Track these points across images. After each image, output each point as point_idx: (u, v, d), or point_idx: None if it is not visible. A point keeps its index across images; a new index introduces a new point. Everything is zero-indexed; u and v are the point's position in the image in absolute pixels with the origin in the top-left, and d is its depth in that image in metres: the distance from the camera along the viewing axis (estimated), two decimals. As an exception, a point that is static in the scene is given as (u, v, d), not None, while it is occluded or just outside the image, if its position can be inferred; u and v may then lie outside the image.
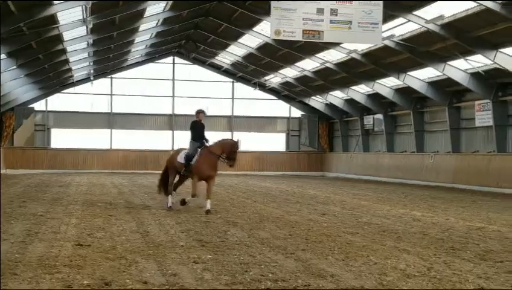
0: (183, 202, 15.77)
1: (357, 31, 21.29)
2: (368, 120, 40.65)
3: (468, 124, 31.39)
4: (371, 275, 7.90)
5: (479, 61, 26.65)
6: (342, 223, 13.68)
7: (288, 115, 47.43)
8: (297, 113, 47.54)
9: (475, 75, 28.30)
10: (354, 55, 31.14)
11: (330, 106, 44.40)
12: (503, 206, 18.60)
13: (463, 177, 29.05)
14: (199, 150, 15.78)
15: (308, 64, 36.15)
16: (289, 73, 39.87)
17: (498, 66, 25.44)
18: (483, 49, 24.94)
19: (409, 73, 31.70)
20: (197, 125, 16.19)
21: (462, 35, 24.53)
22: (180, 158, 16.02)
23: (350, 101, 41.18)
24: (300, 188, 25.42)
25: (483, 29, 23.57)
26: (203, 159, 15.61)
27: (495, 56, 24.91)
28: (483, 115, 29.40)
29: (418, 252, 9.78)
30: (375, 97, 37.97)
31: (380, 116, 39.20)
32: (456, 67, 28.44)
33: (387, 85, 35.25)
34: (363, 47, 29.83)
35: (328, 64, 34.20)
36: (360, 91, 38.54)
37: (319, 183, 31.92)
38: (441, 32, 24.49)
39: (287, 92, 45.29)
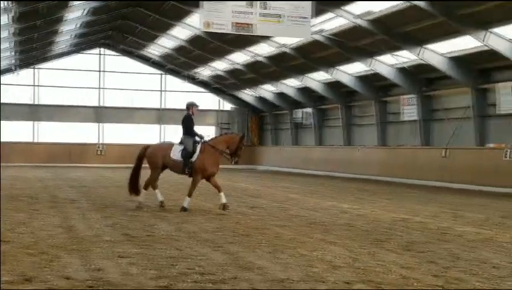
0: (184, 209, 14.14)
1: (287, 24, 21.38)
2: (298, 114, 41.01)
3: (395, 118, 32.06)
4: (298, 267, 7.92)
5: (405, 56, 27.24)
6: (270, 216, 13.71)
7: (218, 108, 47.33)
8: (227, 106, 47.52)
9: (402, 71, 28.93)
10: (284, 49, 31.31)
11: (261, 99, 44.56)
12: (427, 198, 19.08)
13: (389, 170, 29.66)
14: (198, 145, 14.49)
15: (239, 58, 36.14)
16: (220, 66, 39.77)
17: (423, 62, 26.06)
18: (410, 45, 25.51)
19: (338, 67, 32.12)
20: (190, 119, 14.91)
21: (389, 31, 25.00)
22: (175, 155, 14.48)
23: (280, 95, 41.43)
24: (229, 181, 25.39)
25: (410, 26, 24.09)
26: (207, 156, 14.37)
27: (420, 52, 25.52)
28: (409, 109, 30.10)
29: (344, 244, 9.88)
30: (305, 91, 38.31)
31: (309, 109, 39.61)
32: (384, 63, 28.99)
33: (317, 79, 35.63)
34: (293, 41, 30.02)
35: (259, 58, 34.29)
36: (290, 85, 38.83)
37: (249, 177, 31.98)
38: (369, 27, 24.88)
39: (217, 85, 45.19)
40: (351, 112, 36.40)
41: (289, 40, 29.91)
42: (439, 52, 25.54)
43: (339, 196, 19.51)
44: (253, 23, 21.15)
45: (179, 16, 31.06)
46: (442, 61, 25.72)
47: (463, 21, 21.91)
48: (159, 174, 14.95)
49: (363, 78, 32.37)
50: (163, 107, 45.82)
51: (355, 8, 24.42)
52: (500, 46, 22.12)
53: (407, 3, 22.08)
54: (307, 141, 41.18)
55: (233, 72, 39.80)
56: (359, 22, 24.66)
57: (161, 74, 45.73)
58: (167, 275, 7.31)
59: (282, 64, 34.59)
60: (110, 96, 44.22)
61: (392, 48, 26.68)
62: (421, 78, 29.02)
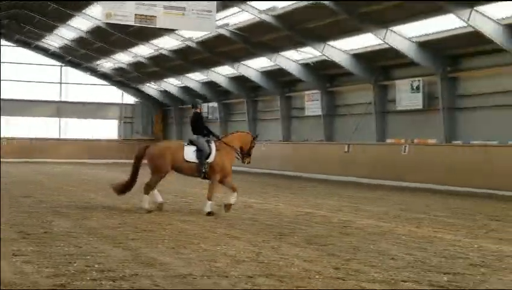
0: (228, 207, 13.23)
1: (191, 18, 21.15)
2: (203, 108, 40.76)
3: (299, 113, 32.47)
4: (200, 262, 7.82)
5: (309, 52, 27.62)
6: (174, 211, 13.53)
7: (121, 102, 46.47)
8: (131, 100, 46.74)
9: (306, 66, 29.33)
10: (189, 42, 31.06)
11: (165, 93, 44.09)
12: (329, 192, 19.42)
13: (294, 164, 30.02)
14: (213, 144, 13.38)
15: (143, 50, 35.58)
16: (123, 58, 39.02)
17: (326, 58, 26.50)
18: (313, 42, 25.88)
19: (243, 62, 32.19)
20: (201, 118, 13.89)
21: (293, 27, 25.26)
22: (189, 157, 13.21)
23: (185, 89, 41.14)
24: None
25: (313, 22, 24.42)
26: (224, 154, 13.37)
27: (324, 48, 25.95)
28: (313, 104, 30.57)
29: (248, 238, 9.86)
30: (210, 85, 38.21)
31: (214, 104, 39.54)
32: (288, 58, 29.29)
33: (222, 73, 35.59)
34: (198, 35, 29.82)
35: (163, 51, 33.86)
36: (195, 79, 38.61)
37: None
38: (273, 23, 25.05)
39: (120, 78, 44.33)
40: (256, 107, 36.61)
41: (194, 34, 29.69)
42: (342, 49, 26.06)
43: (243, 191, 19.49)
44: (156, 16, 20.79)
45: (79, 6, 30.17)
46: (344, 58, 26.25)
47: (364, 19, 22.42)
48: (162, 178, 13.55)
49: (268, 73, 32.60)
50: (63, 100, 44.46)
51: (260, 4, 24.51)
52: (400, 44, 22.79)
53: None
54: (213, 135, 40.98)
55: (136, 65, 39.16)
56: (264, 17, 24.79)
57: (61, 66, 44.37)
58: (64, 273, 7.03)
59: (187, 58, 34.32)
60: (6, 89, 42.43)
61: (296, 44, 26.99)
62: (325, 74, 29.53)
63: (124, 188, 13.66)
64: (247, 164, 14.06)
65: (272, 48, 28.66)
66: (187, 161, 13.21)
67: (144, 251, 8.49)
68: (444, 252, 8.85)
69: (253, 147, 14.01)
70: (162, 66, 37.35)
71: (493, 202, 16.38)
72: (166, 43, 33.01)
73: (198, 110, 13.94)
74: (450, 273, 7.39)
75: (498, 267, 7.80)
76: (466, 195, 18.42)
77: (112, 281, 6.69)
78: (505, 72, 21.03)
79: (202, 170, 13.20)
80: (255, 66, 32.52)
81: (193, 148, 13.28)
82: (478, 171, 19.89)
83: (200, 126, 13.61)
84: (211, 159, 13.19)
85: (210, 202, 13.04)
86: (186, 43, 31.25)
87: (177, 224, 11.38)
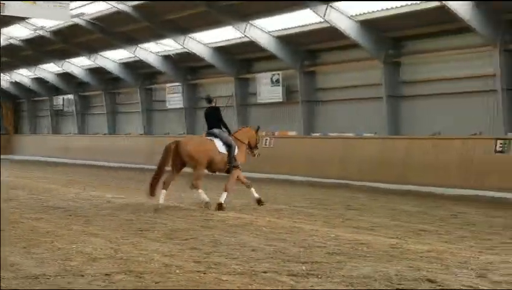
0: (260, 201, 13.53)
1: (43, 6, 20.14)
2: (58, 100, 39.38)
3: (160, 106, 32.12)
4: (54, 262, 7.47)
5: (170, 45, 27.35)
6: (26, 208, 12.88)
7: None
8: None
9: (167, 59, 29.04)
10: (41, 32, 29.75)
11: (16, 84, 42.03)
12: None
13: (155, 158, 29.51)
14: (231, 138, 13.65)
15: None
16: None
17: (188, 51, 26.36)
18: (174, 34, 25.64)
19: (101, 53, 31.32)
20: (218, 112, 13.97)
21: (153, 18, 24.89)
22: (222, 149, 13.34)
23: (39, 80, 39.44)
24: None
25: (174, 14, 24.18)
26: (241, 149, 13.73)
27: (185, 41, 25.79)
28: (174, 97, 30.33)
29: (106, 235, 9.55)
30: (65, 77, 36.88)
31: (71, 96, 38.25)
32: (148, 50, 28.87)
33: (78, 65, 34.44)
34: (52, 24, 28.58)
35: (12, 41, 32.21)
36: (49, 70, 37.10)
37: (3, 167, 29.99)
38: (132, 13, 24.54)
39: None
40: (116, 99, 35.81)
41: (47, 23, 28.42)
42: (203, 42, 26.00)
43: (102, 186, 18.99)
44: (3, 2, 19.56)
45: None
46: (206, 50, 26.23)
47: (225, 12, 22.48)
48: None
49: (128, 65, 31.99)
50: None
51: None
52: (260, 38, 23.08)
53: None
54: (69, 128, 39.73)
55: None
56: (122, 7, 24.22)
57: None
58: None
59: (39, 48, 32.86)
60: None
61: (156, 36, 26.63)
62: (186, 66, 29.38)
63: (153, 187, 13.25)
64: (257, 156, 14.47)
65: (131, 39, 28.10)
66: (220, 153, 13.35)
67: (-8, 252, 7.97)
68: (303, 242, 9.01)
69: (259, 139, 14.62)
70: (12, 56, 35.48)
71: (349, 192, 16.96)
72: (17, 32, 31.38)
73: (213, 105, 14.17)
74: (308, 263, 7.51)
75: (353, 255, 8.04)
76: (325, 186, 18.95)
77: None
78: (359, 67, 21.89)
79: (232, 162, 13.41)
80: (113, 58, 31.75)
81: (220, 141, 13.43)
82: (335, 162, 20.56)
83: (219, 120, 13.82)
84: (235, 153, 13.50)
85: (226, 193, 13.17)
86: (38, 32, 29.89)
87: (29, 222, 10.85)
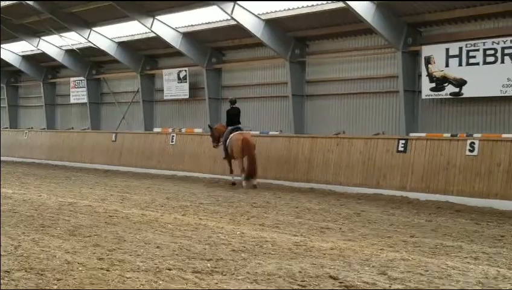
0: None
1: None
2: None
3: (63, 101, 31.42)
4: (-50, 260, 7.22)
5: (74, 38, 26.75)
6: None
7: None
8: None
9: (70, 52, 28.41)
10: None
11: None
12: (95, 182, 19.02)
13: (58, 153, 28.97)
14: None
15: None
16: None
17: (92, 45, 25.89)
18: (78, 27, 25.11)
19: (2, 46, 30.27)
20: (239, 111, 18.73)
21: (56, 11, 24.30)
22: None
23: None
24: None
25: (77, 7, 23.71)
26: None
27: (89, 35, 25.31)
28: (78, 92, 29.73)
29: (6, 231, 9.33)
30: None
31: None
32: (51, 43, 28.15)
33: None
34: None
35: None
36: None
37: None
38: (35, 6, 23.88)
39: None
40: (17, 93, 34.73)
41: None
42: (108, 36, 25.59)
43: (2, 181, 18.39)
44: None
45: None
46: (110, 45, 25.82)
47: (130, 7, 22.19)
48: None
49: (30, 58, 31.08)
50: None
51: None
52: (165, 34, 22.94)
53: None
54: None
55: None
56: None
57: None
58: None
59: None
60: None
61: (59, 29, 26.00)
62: (90, 61, 28.84)
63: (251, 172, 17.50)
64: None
65: (34, 31, 27.32)
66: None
67: None
68: (208, 239, 9.10)
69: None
70: None
71: (256, 190, 17.16)
72: None
73: (236, 106, 18.64)
74: (213, 260, 7.62)
75: (258, 252, 8.20)
76: (228, 183, 19.09)
77: None
78: (265, 65, 22.16)
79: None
80: (14, 50, 30.76)
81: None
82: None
83: (239, 119, 18.44)
84: None
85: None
86: None
87: None
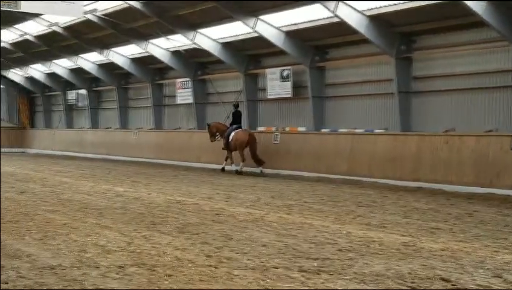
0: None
1: (56, 2, 20.25)
2: (72, 95, 39.61)
3: (170, 101, 32.23)
4: (70, 253, 7.62)
5: (179, 40, 27.42)
6: (41, 201, 13.06)
7: (-17, 89, 44.10)
8: (-6, 86, 44.46)
9: (176, 54, 29.11)
10: (55, 28, 29.92)
11: (31, 79, 42.30)
12: (202, 181, 19.43)
13: (166, 153, 29.78)
14: None
15: (5, 35, 33.85)
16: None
17: (197, 46, 26.43)
18: (183, 29, 25.71)
19: (112, 49, 31.48)
20: (241, 114, 23.87)
21: (162, 14, 24.99)
22: None
23: (52, 75, 39.67)
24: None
25: (183, 10, 24.28)
26: None
27: (194, 36, 25.84)
28: (184, 92, 30.43)
29: (119, 228, 9.69)
30: (78, 72, 37.07)
31: (83, 91, 38.45)
32: (158, 46, 28.97)
33: (91, 60, 34.62)
34: (65, 20, 28.74)
35: (27, 37, 32.41)
36: (62, 65, 37.29)
37: (19, 160, 30.28)
38: (142, 9, 24.66)
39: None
40: (127, 94, 35.99)
41: (60, 19, 28.57)
42: (212, 37, 26.06)
43: (114, 180, 19.16)
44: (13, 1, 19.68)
45: None
46: (214, 46, 26.27)
47: (233, 8, 22.50)
48: None
49: (138, 61, 32.09)
50: None
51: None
52: (268, 33, 23.10)
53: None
54: (82, 123, 39.95)
55: (-1, 51, 37.24)
56: (132, 3, 24.33)
57: None
58: None
59: (53, 44, 33.07)
60: None
61: (166, 32, 26.71)
62: (195, 62, 29.45)
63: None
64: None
65: (142, 34, 28.22)
66: None
67: (9, 243, 8.15)
68: (314, 238, 9.08)
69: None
70: (27, 51, 35.73)
71: (359, 189, 17.00)
72: (31, 28, 31.57)
73: (238, 109, 23.65)
74: (319, 259, 7.58)
75: (365, 252, 8.07)
76: (334, 182, 19.01)
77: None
78: (369, 62, 21.88)
79: None
80: (124, 53, 31.89)
81: None
82: (344, 158, 20.61)
83: (240, 120, 23.44)
84: None
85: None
86: (52, 28, 30.07)
87: (44, 214, 11.02)
